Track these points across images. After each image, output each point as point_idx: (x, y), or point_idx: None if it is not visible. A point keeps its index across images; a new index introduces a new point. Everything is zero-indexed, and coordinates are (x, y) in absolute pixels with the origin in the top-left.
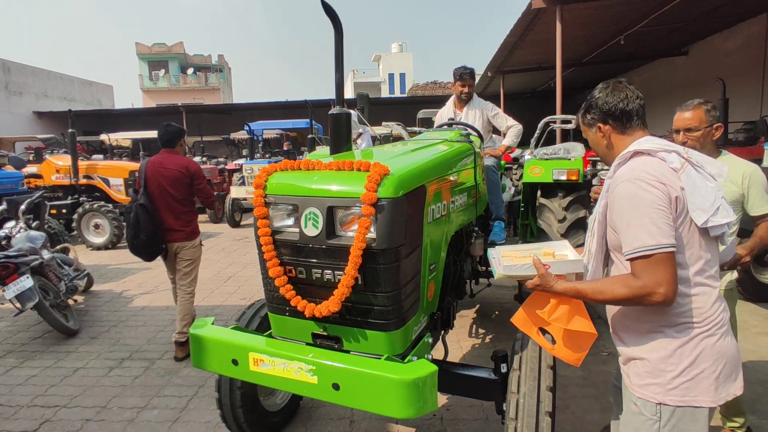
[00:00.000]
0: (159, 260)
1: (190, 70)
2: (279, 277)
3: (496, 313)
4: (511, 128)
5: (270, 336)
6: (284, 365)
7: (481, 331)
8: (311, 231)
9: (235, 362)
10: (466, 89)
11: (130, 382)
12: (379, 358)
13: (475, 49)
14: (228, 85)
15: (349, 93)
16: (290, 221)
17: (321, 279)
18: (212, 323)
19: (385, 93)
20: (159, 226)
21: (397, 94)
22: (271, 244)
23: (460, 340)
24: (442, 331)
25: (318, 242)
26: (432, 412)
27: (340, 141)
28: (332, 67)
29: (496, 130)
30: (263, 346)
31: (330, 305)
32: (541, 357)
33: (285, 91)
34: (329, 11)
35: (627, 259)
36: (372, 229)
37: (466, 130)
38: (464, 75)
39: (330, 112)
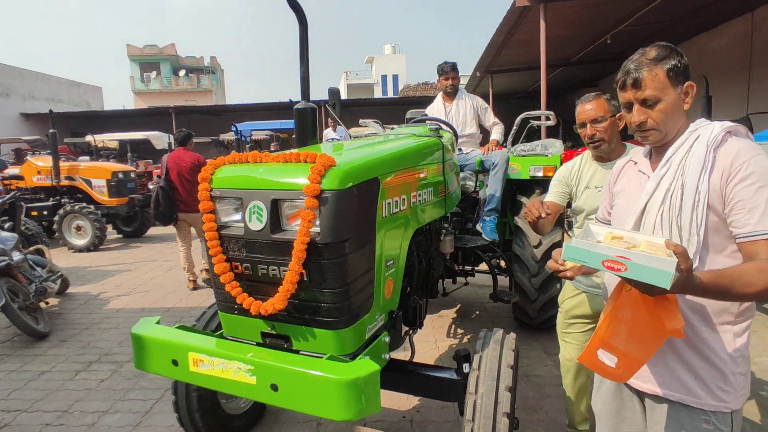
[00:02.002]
0: (139, 263)
1: (182, 72)
2: (225, 273)
3: (477, 312)
4: (496, 126)
5: (222, 336)
6: (223, 365)
7: (459, 331)
8: (255, 225)
9: (175, 363)
10: (449, 82)
11: (95, 385)
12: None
13: (466, 49)
14: (221, 87)
15: (343, 95)
16: (237, 216)
17: (267, 275)
18: (157, 323)
19: (378, 94)
20: (174, 202)
21: (390, 95)
22: (217, 240)
23: (437, 340)
24: (410, 331)
25: (263, 237)
26: (377, 413)
27: (306, 136)
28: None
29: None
30: (203, 346)
31: (275, 303)
32: (502, 356)
33: (279, 93)
34: (293, 4)
35: (753, 241)
36: (316, 223)
37: (437, 125)
38: (445, 69)
39: (295, 107)
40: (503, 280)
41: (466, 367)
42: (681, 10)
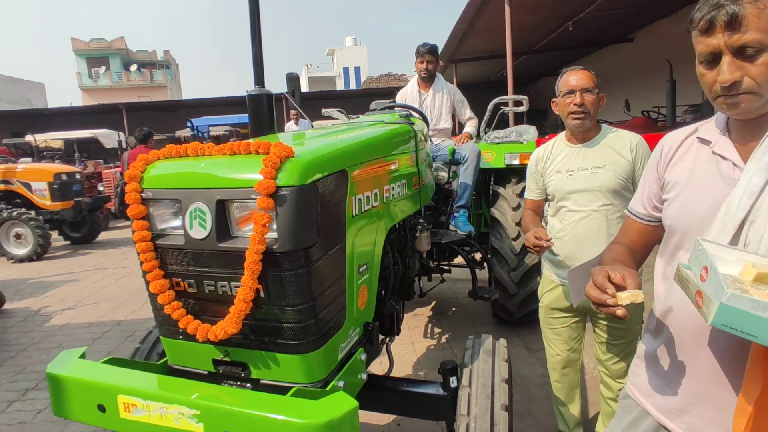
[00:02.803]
0: (88, 271)
1: (133, 67)
2: (163, 292)
3: (453, 309)
4: (471, 120)
5: (166, 366)
6: (162, 410)
7: (436, 330)
8: (198, 232)
9: (101, 408)
10: (424, 66)
11: (30, 418)
12: (294, 387)
13: (430, 38)
14: (176, 82)
15: (304, 87)
16: (176, 221)
17: (215, 292)
18: (81, 356)
19: (340, 87)
20: None
21: (353, 87)
22: (152, 251)
23: (414, 342)
24: (387, 340)
25: (207, 246)
26: None
27: (261, 125)
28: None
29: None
30: (136, 386)
31: (226, 326)
32: (495, 369)
33: (240, 87)
34: None
35: None
36: (273, 227)
37: (408, 111)
38: (421, 50)
39: (247, 93)
40: (482, 274)
41: (453, 381)
42: None
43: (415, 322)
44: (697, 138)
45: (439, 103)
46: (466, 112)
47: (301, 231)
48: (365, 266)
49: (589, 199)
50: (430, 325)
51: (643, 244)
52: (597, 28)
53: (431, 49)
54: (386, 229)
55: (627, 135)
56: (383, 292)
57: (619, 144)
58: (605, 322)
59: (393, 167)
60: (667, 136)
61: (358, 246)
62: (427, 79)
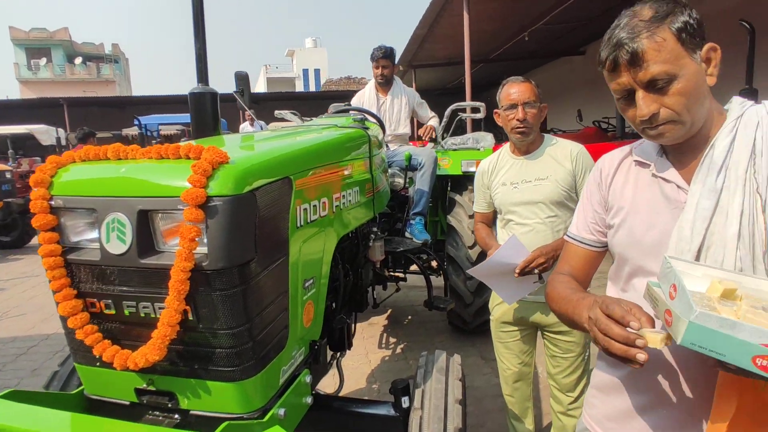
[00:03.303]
0: (17, 279)
1: (78, 60)
2: (75, 314)
3: (409, 318)
4: (432, 119)
5: (82, 395)
6: None
7: (392, 340)
8: (116, 247)
9: None
10: (380, 71)
11: None
12: (225, 422)
13: (388, 43)
14: (125, 78)
15: (261, 87)
16: (92, 234)
17: (136, 315)
18: None
19: (299, 88)
20: None
21: (313, 89)
22: (62, 268)
23: (368, 353)
24: (338, 356)
25: (127, 262)
26: None
27: (204, 126)
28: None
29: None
30: (33, 428)
31: (149, 353)
32: (448, 389)
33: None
34: None
35: None
36: (204, 241)
37: (362, 115)
38: (376, 55)
39: (189, 92)
40: (437, 280)
41: (405, 401)
42: (592, 11)
43: (370, 331)
44: (634, 161)
45: (398, 108)
46: (428, 113)
47: (235, 246)
48: (312, 280)
49: (533, 212)
50: (385, 335)
51: (589, 271)
52: (551, 39)
53: (386, 53)
54: (336, 239)
55: (568, 145)
56: (333, 305)
57: (560, 154)
58: (554, 336)
59: (344, 174)
60: (604, 157)
61: (304, 258)
62: (385, 84)
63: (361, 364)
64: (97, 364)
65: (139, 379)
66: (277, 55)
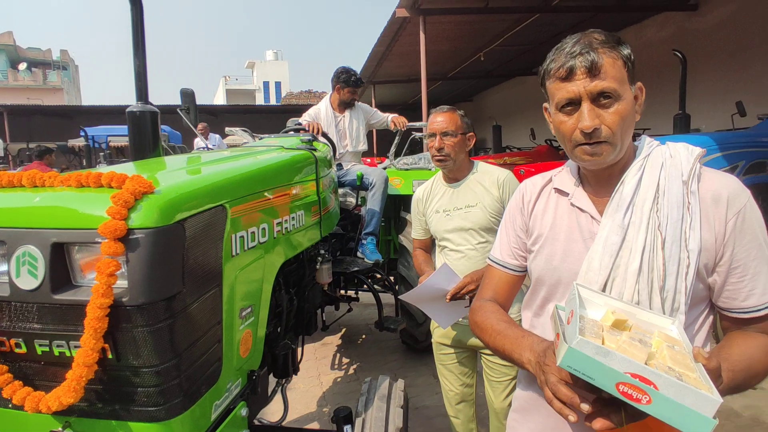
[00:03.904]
0: None
1: (22, 66)
2: None
3: (363, 337)
4: (376, 112)
5: None
6: None
7: (345, 361)
8: (27, 282)
9: None
10: (353, 96)
11: None
12: None
13: (349, 59)
14: (74, 86)
15: (221, 99)
16: (1, 267)
17: (50, 354)
18: None
19: (260, 101)
20: None
21: (273, 102)
22: None
23: (320, 375)
24: (283, 382)
25: (39, 299)
26: None
27: (143, 146)
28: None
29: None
30: None
31: (62, 395)
32: (389, 419)
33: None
34: None
35: (758, 317)
36: (125, 274)
37: (312, 136)
38: (358, 83)
39: (128, 110)
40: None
41: (347, 430)
42: (542, 35)
43: (323, 352)
44: (554, 188)
45: (357, 125)
46: (382, 115)
47: (158, 279)
48: (249, 309)
49: (465, 238)
50: (338, 356)
51: (511, 295)
52: (505, 60)
53: (361, 81)
54: (278, 264)
55: (495, 171)
56: (278, 330)
57: (488, 181)
58: (489, 359)
59: (287, 198)
60: (525, 183)
61: (241, 287)
62: (349, 106)
63: (312, 387)
64: (10, 405)
65: (54, 421)
66: (237, 67)
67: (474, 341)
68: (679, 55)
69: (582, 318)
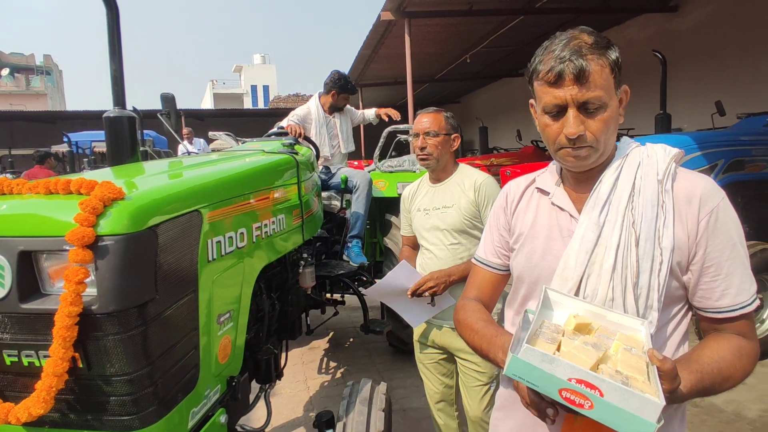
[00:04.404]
0: None
1: (4, 71)
2: None
3: (351, 340)
4: (361, 113)
5: None
6: None
7: (332, 364)
8: None
9: None
10: (348, 104)
11: None
12: None
13: (337, 62)
14: (58, 91)
15: (208, 103)
16: None
17: (19, 364)
18: None
19: (248, 105)
20: None
21: (261, 106)
22: None
23: (307, 379)
24: (266, 388)
25: (7, 308)
26: None
27: (121, 152)
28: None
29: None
30: None
31: (32, 406)
32: (370, 422)
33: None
34: None
35: (732, 317)
36: (95, 282)
37: (294, 139)
38: (354, 90)
39: (105, 115)
40: (373, 301)
41: None
42: (526, 37)
43: (310, 356)
44: (536, 188)
45: (346, 127)
46: (360, 112)
47: (129, 287)
48: (228, 314)
49: (438, 238)
50: (325, 359)
51: (495, 293)
52: (492, 61)
53: (356, 89)
54: (258, 269)
55: (474, 174)
56: (260, 335)
57: (467, 183)
58: (462, 361)
59: (266, 202)
60: (510, 183)
61: (219, 292)
62: (340, 110)
63: (299, 392)
64: None
65: None
66: (224, 71)
67: (448, 343)
68: (659, 55)
69: (543, 323)
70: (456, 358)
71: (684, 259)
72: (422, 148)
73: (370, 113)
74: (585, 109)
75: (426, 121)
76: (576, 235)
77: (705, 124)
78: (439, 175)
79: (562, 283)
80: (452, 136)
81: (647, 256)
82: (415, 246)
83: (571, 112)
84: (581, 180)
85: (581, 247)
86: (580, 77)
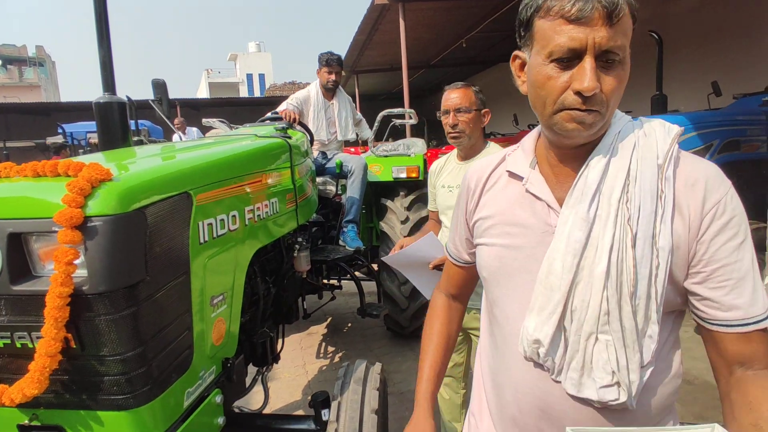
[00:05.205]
0: None
1: None
2: None
3: (348, 325)
4: (362, 120)
5: None
6: None
7: (330, 349)
8: None
9: None
10: (333, 77)
11: None
12: None
13: (333, 48)
14: (52, 82)
15: (204, 93)
16: None
17: (12, 346)
18: None
19: (243, 93)
20: None
21: (257, 95)
22: None
23: (306, 364)
24: (263, 371)
25: None
26: None
27: (111, 137)
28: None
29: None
30: None
31: (25, 387)
32: (365, 400)
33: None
34: None
35: (744, 332)
36: (85, 263)
37: (287, 123)
38: (331, 61)
39: (94, 101)
40: (370, 286)
41: (325, 414)
42: None
43: (308, 341)
44: (507, 171)
45: (345, 114)
46: (356, 113)
47: (119, 267)
48: (221, 297)
49: None
50: (323, 344)
51: (466, 286)
52: (488, 46)
53: (340, 61)
54: (251, 252)
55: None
56: (256, 318)
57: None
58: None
59: (259, 185)
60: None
61: (211, 275)
62: (332, 90)
63: (298, 376)
64: None
65: (21, 414)
66: (219, 60)
67: (463, 322)
68: (655, 36)
69: None
70: (472, 336)
71: (684, 261)
72: (453, 126)
73: (367, 131)
74: (602, 60)
75: (455, 96)
76: (560, 234)
77: (702, 105)
78: (467, 152)
79: (546, 293)
80: (482, 112)
81: (646, 260)
82: (440, 221)
83: (589, 62)
84: (565, 159)
85: (568, 249)
86: (611, 17)
